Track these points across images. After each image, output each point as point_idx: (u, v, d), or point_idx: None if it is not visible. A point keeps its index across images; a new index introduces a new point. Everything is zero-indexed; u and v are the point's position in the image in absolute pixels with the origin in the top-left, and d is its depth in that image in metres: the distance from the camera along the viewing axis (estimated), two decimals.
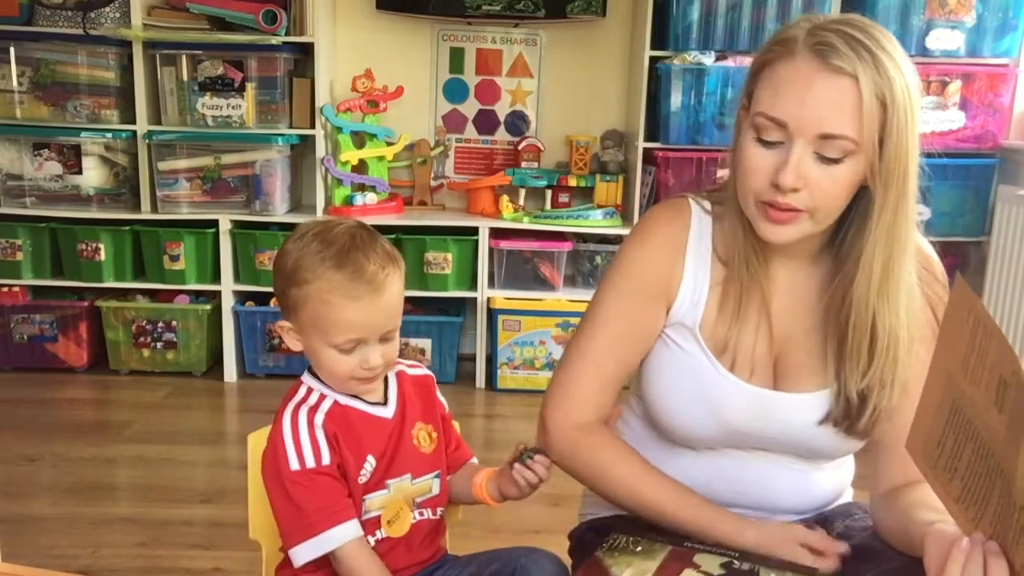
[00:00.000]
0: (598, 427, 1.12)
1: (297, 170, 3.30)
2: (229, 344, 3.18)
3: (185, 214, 3.10)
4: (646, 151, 3.15)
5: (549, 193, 3.31)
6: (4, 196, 3.08)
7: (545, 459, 1.08)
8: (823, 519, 1.13)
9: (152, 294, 3.21)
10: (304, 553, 1.02)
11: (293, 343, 1.08)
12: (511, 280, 3.21)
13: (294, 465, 1.02)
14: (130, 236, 3.13)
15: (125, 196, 3.16)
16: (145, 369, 3.20)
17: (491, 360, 3.20)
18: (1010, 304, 2.84)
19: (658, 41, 3.05)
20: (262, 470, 1.07)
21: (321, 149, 3.15)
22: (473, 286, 3.20)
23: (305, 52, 3.12)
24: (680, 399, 1.08)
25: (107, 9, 3.00)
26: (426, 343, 3.19)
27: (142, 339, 3.18)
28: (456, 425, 1.23)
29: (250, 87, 3.04)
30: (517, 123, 3.45)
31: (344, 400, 1.07)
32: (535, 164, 3.31)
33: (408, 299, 3.19)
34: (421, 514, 1.11)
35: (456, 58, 3.40)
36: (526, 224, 3.17)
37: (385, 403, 1.11)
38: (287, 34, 3.02)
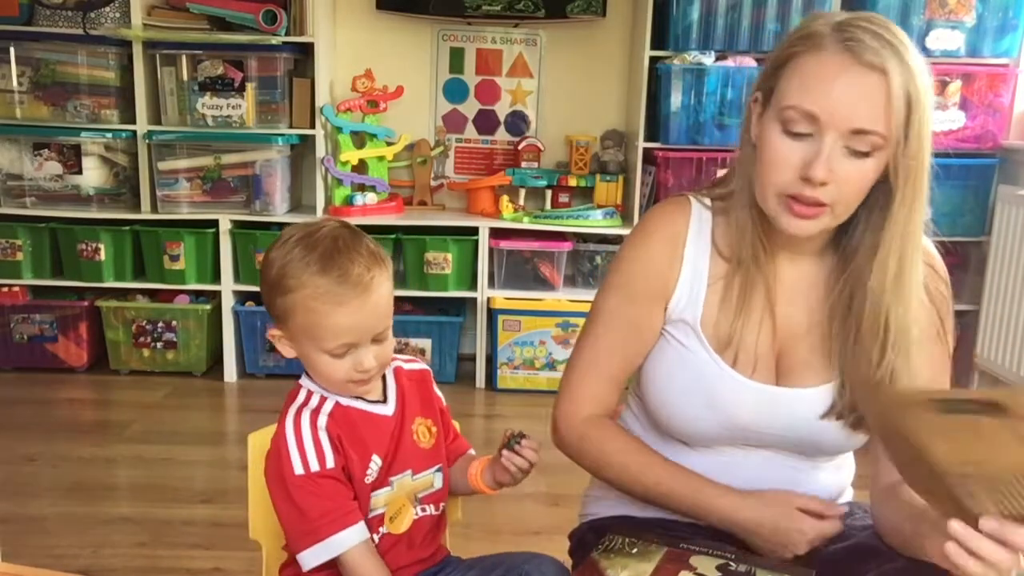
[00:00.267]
0: (602, 420, 1.14)
1: (297, 170, 3.30)
2: (229, 344, 3.18)
3: (185, 214, 3.10)
4: (646, 151, 3.15)
5: (549, 193, 3.31)
6: (4, 196, 3.08)
7: (532, 442, 1.09)
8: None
9: (152, 294, 3.21)
10: (312, 558, 1.02)
11: (286, 350, 1.07)
12: (511, 280, 3.21)
13: (298, 470, 1.02)
14: (130, 236, 3.13)
15: (125, 196, 3.16)
16: (145, 369, 3.20)
17: (491, 360, 3.20)
18: (1010, 304, 2.84)
19: (658, 41, 3.05)
20: (266, 475, 1.06)
21: (321, 149, 3.15)
22: (473, 286, 3.20)
23: (305, 52, 3.12)
24: (681, 395, 1.09)
25: (107, 9, 3.00)
26: (426, 343, 3.19)
27: (142, 339, 3.18)
28: (456, 425, 1.23)
29: (250, 87, 3.04)
30: (517, 123, 3.45)
31: (345, 401, 1.07)
32: (535, 164, 3.31)
33: (408, 299, 3.24)
34: (424, 510, 1.11)
35: (456, 58, 3.40)
36: (526, 224, 3.17)
37: (385, 401, 1.10)
38: (287, 34, 3.02)
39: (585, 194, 3.33)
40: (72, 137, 3.04)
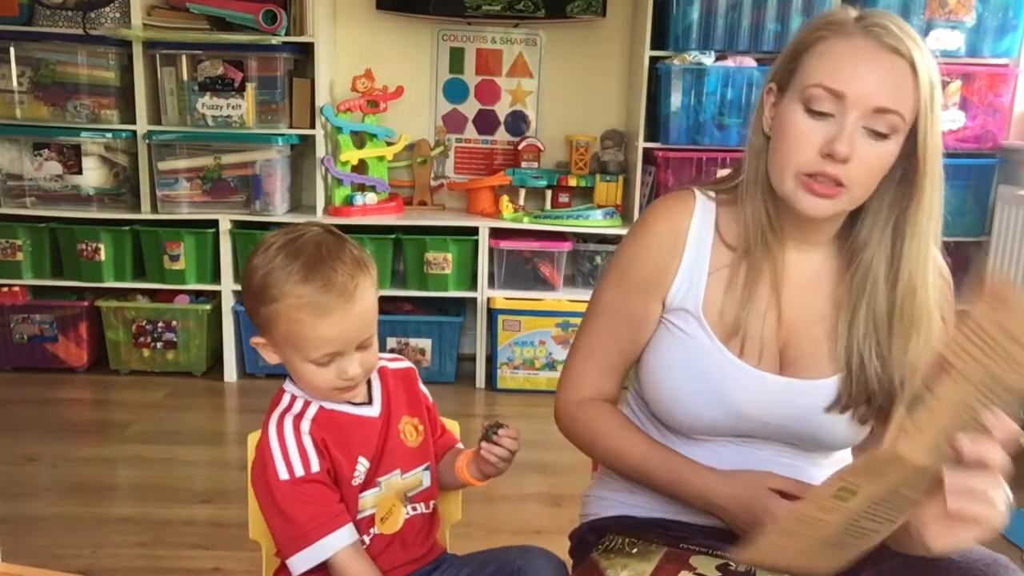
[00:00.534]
0: (595, 403, 1.16)
1: (297, 170, 3.30)
2: (229, 344, 3.18)
3: (185, 214, 3.10)
4: (646, 151, 3.15)
5: (549, 193, 3.31)
6: (4, 196, 3.08)
7: (510, 430, 1.10)
8: None
9: (152, 294, 3.21)
10: (301, 563, 1.02)
11: (270, 357, 1.06)
12: (511, 280, 3.21)
13: (283, 475, 1.01)
14: (130, 236, 3.13)
15: (125, 196, 3.16)
16: (145, 369, 3.20)
17: (491, 360, 3.20)
18: None
19: (658, 41, 3.05)
20: (252, 482, 1.06)
21: (321, 149, 3.15)
22: (473, 286, 3.20)
23: (305, 52, 3.12)
24: (682, 382, 1.09)
25: (107, 9, 3.00)
26: (426, 343, 3.19)
27: (142, 339, 3.18)
28: (456, 425, 1.23)
29: (250, 87, 3.04)
30: (517, 123, 3.45)
31: (329, 405, 1.07)
32: (535, 164, 3.32)
33: (408, 299, 3.24)
34: (414, 508, 1.11)
35: (456, 58, 3.40)
36: (526, 224, 3.17)
37: (370, 402, 1.10)
38: (287, 34, 3.02)
39: (585, 194, 3.33)
40: (72, 137, 3.04)
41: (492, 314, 3.13)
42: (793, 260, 1.10)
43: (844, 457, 1.19)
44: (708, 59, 2.98)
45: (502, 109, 3.45)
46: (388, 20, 3.32)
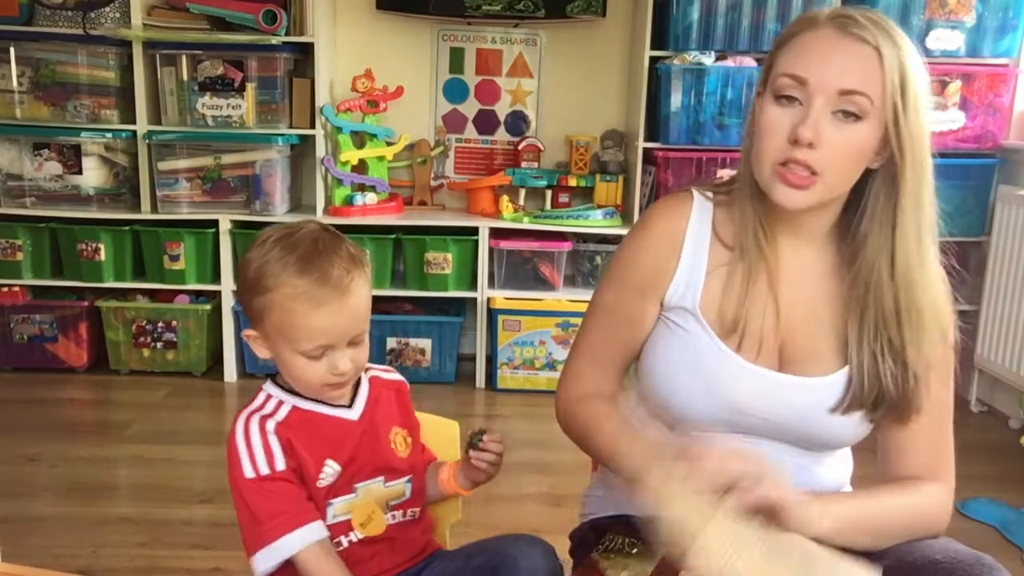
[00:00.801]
0: (591, 398, 1.16)
1: (297, 170, 3.30)
2: (229, 344, 3.18)
3: (185, 214, 3.10)
4: (646, 151, 3.15)
5: (549, 193, 3.31)
6: (4, 196, 3.08)
7: (493, 435, 1.11)
8: None
9: (152, 294, 3.21)
10: (262, 562, 1.01)
11: (261, 351, 1.06)
12: (511, 280, 3.21)
13: (248, 473, 1.02)
14: (130, 236, 3.13)
15: (125, 196, 3.16)
16: (145, 369, 3.20)
17: (491, 360, 3.20)
18: (1010, 304, 2.84)
19: (658, 41, 3.05)
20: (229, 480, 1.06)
21: (321, 149, 3.15)
22: (473, 286, 3.20)
23: (305, 52, 3.12)
24: (681, 379, 1.09)
25: (107, 9, 3.00)
26: (426, 343, 3.19)
27: (142, 339, 3.18)
28: (456, 425, 1.24)
29: (250, 87, 3.04)
30: (517, 123, 3.45)
31: (305, 405, 1.06)
32: (535, 164, 3.31)
33: (408, 299, 3.24)
34: (394, 516, 1.11)
35: (456, 58, 3.40)
36: (526, 224, 3.17)
37: (350, 406, 1.09)
38: (287, 34, 3.02)
39: (585, 194, 3.33)
40: (72, 137, 3.04)
41: (492, 314, 3.13)
42: (788, 256, 1.10)
43: (846, 455, 1.19)
44: (708, 59, 2.98)
45: (502, 109, 3.44)
46: (388, 20, 3.32)
